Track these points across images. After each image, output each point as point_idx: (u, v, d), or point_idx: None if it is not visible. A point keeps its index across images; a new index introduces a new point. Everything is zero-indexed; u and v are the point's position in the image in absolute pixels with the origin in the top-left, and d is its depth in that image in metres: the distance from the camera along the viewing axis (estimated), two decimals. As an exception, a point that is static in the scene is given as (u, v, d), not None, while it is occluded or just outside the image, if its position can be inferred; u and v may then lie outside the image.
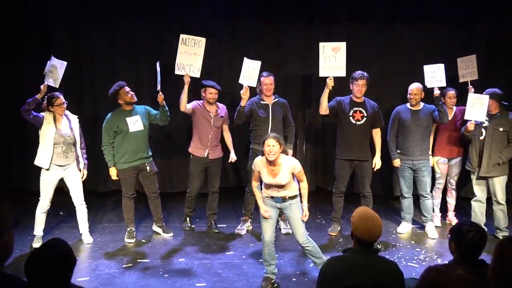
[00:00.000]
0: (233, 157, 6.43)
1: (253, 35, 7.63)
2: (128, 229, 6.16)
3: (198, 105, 6.18)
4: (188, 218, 6.46)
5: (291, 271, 5.29)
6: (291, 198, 4.83)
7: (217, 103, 6.28)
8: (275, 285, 4.96)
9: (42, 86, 5.65)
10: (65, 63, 5.91)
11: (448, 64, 6.77)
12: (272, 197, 4.85)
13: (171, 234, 6.30)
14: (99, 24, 7.52)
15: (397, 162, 6.33)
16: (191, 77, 5.95)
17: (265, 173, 4.77)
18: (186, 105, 6.03)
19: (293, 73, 7.77)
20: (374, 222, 3.12)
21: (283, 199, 4.82)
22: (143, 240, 6.16)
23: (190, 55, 5.93)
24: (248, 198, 6.43)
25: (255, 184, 4.99)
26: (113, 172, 5.99)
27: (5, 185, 7.76)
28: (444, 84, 6.17)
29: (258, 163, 4.82)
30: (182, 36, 5.95)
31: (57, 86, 5.81)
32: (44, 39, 7.45)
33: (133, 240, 6.09)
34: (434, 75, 6.16)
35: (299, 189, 4.89)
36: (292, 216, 4.86)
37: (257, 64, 5.96)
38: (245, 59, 6.01)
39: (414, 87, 6.24)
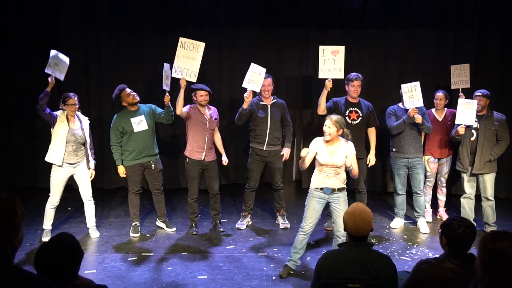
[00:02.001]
0: (225, 159, 6.42)
1: (253, 40, 7.72)
2: (133, 224, 6.26)
3: (192, 109, 6.13)
4: (194, 223, 6.37)
5: (290, 264, 5.43)
6: (340, 190, 4.95)
7: (209, 106, 6.25)
8: (291, 272, 5.14)
9: (49, 78, 5.71)
10: (68, 58, 5.94)
11: (436, 67, 6.94)
12: (321, 189, 4.96)
13: (174, 229, 6.40)
14: (106, 28, 7.60)
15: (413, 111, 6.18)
16: (187, 81, 5.93)
17: (323, 151, 4.90)
18: (182, 109, 6.02)
19: (292, 76, 7.86)
20: (361, 217, 3.23)
21: (332, 190, 4.94)
22: (147, 235, 6.25)
23: (188, 59, 5.90)
24: (248, 194, 6.54)
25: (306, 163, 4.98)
26: (120, 170, 6.11)
27: (15, 182, 7.81)
28: (421, 104, 6.18)
29: (317, 141, 4.97)
30: (181, 39, 5.93)
31: (62, 79, 5.87)
32: (53, 41, 7.45)
33: (138, 235, 6.19)
34: (412, 94, 6.14)
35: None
36: (339, 208, 4.93)
37: (262, 70, 5.98)
38: (252, 64, 5.99)
39: None
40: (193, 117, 6.13)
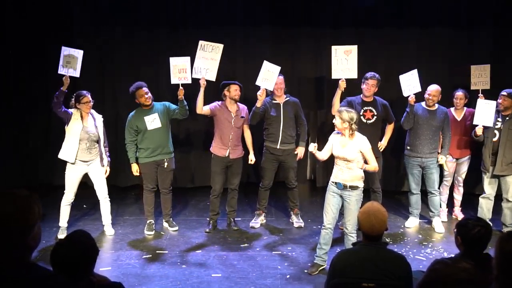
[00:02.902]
0: (252, 158, 6.41)
1: (267, 39, 7.72)
2: (148, 221, 6.29)
3: (218, 106, 6.16)
4: (211, 221, 6.39)
5: (303, 263, 5.42)
6: (352, 188, 4.95)
7: (238, 103, 6.26)
8: (321, 268, 5.16)
9: (64, 78, 5.77)
10: (81, 51, 5.96)
11: (452, 67, 6.83)
12: (335, 183, 5.02)
13: (177, 228, 6.37)
14: (120, 27, 7.66)
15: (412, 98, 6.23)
16: (207, 81, 5.99)
17: (337, 143, 5.01)
18: (202, 108, 6.06)
19: (306, 75, 7.85)
20: (376, 217, 3.23)
21: (344, 187, 4.95)
22: (162, 233, 6.28)
23: (207, 60, 5.99)
24: (262, 193, 6.54)
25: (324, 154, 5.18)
26: (134, 169, 6.14)
27: (31, 180, 7.86)
28: (419, 89, 6.15)
29: (335, 134, 5.10)
30: (200, 42, 6.00)
31: (78, 75, 5.93)
32: (67, 40, 7.55)
33: (153, 232, 6.22)
34: (409, 82, 6.14)
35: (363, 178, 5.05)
36: (349, 207, 4.98)
37: (276, 69, 5.97)
38: (265, 62, 5.99)
39: (434, 88, 6.26)
40: (219, 115, 6.17)
